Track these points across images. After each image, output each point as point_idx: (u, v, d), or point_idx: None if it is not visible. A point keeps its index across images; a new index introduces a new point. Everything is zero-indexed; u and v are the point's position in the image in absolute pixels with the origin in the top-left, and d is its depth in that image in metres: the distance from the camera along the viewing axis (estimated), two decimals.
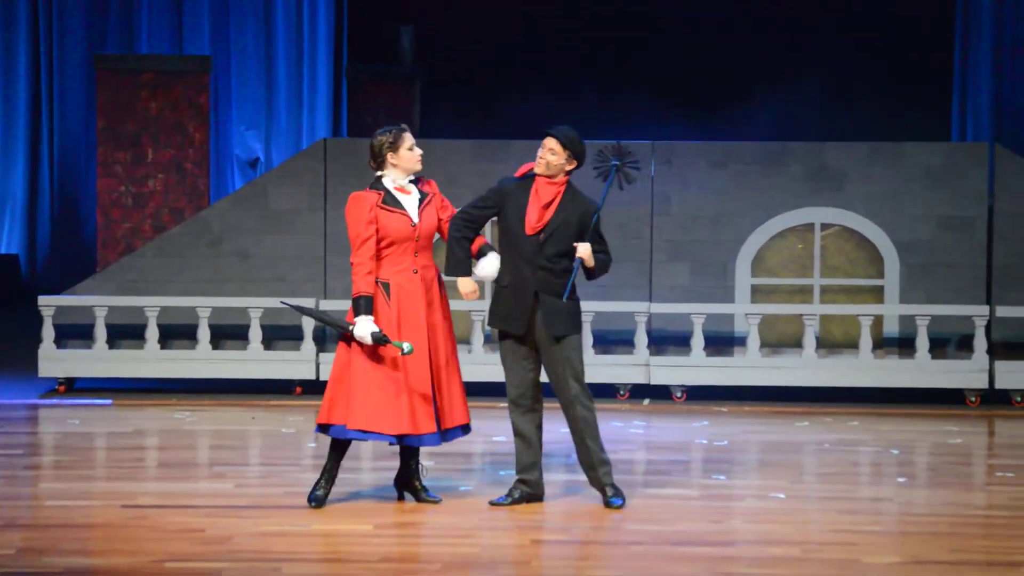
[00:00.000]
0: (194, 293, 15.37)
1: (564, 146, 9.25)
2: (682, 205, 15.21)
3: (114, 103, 16.80)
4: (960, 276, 15.14)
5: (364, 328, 8.91)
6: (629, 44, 20.43)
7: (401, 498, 9.59)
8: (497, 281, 9.23)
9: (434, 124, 19.22)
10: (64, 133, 21.27)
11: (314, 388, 15.14)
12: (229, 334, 15.40)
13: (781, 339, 15.28)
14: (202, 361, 15.11)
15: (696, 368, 14.68)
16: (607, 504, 9.28)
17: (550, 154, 9.23)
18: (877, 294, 15.21)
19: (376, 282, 9.01)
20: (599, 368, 14.64)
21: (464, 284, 9.15)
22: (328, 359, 15.08)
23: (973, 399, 14.66)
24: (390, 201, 9.06)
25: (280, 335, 15.45)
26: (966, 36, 20.93)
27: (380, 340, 8.87)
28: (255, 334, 15.15)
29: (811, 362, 14.70)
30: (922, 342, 14.74)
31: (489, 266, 9.23)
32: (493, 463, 11.45)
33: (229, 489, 10.10)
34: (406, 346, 8.87)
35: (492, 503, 9.42)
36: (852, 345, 15.09)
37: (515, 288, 9.14)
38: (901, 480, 10.71)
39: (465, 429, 9.46)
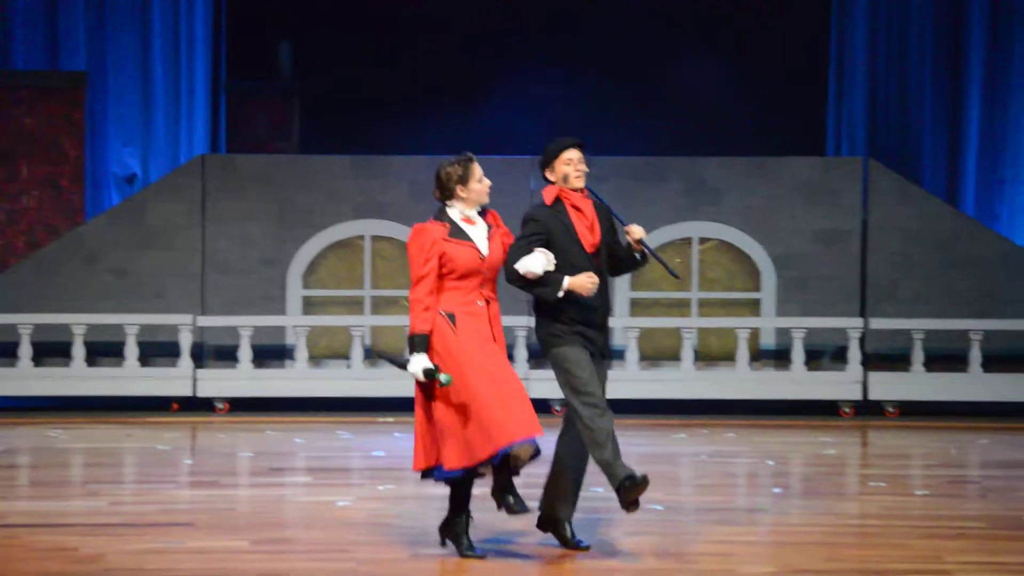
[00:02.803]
0: (69, 310, 15.20)
1: (586, 155, 8.69)
2: None
3: None
4: (835, 289, 15.31)
5: (416, 365, 8.31)
6: (510, 60, 20.47)
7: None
8: (556, 306, 8.49)
9: (314, 139, 19.14)
10: None
11: (191, 404, 15.03)
12: (105, 351, 15.24)
13: (659, 352, 15.37)
14: (77, 378, 14.94)
15: None
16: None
17: (583, 165, 8.62)
18: (754, 307, 15.34)
19: (441, 313, 8.39)
20: None
21: (578, 281, 8.40)
22: (205, 375, 14.98)
23: (847, 410, 14.83)
24: (457, 233, 8.44)
25: (157, 352, 15.32)
26: (840, 50, 21.15)
27: (430, 376, 8.29)
28: (131, 351, 15.01)
29: (689, 375, 14.80)
30: (797, 354, 14.89)
31: (535, 261, 8.46)
32: (372, 478, 11.41)
33: (103, 507, 9.98)
34: (443, 377, 8.26)
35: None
36: (729, 358, 15.22)
37: (588, 309, 8.49)
38: (776, 490, 10.79)
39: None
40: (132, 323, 15.00)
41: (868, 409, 14.92)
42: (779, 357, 15.24)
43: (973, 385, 14.95)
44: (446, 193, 8.53)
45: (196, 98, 21.19)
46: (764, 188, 15.47)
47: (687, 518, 9.66)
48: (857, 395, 14.84)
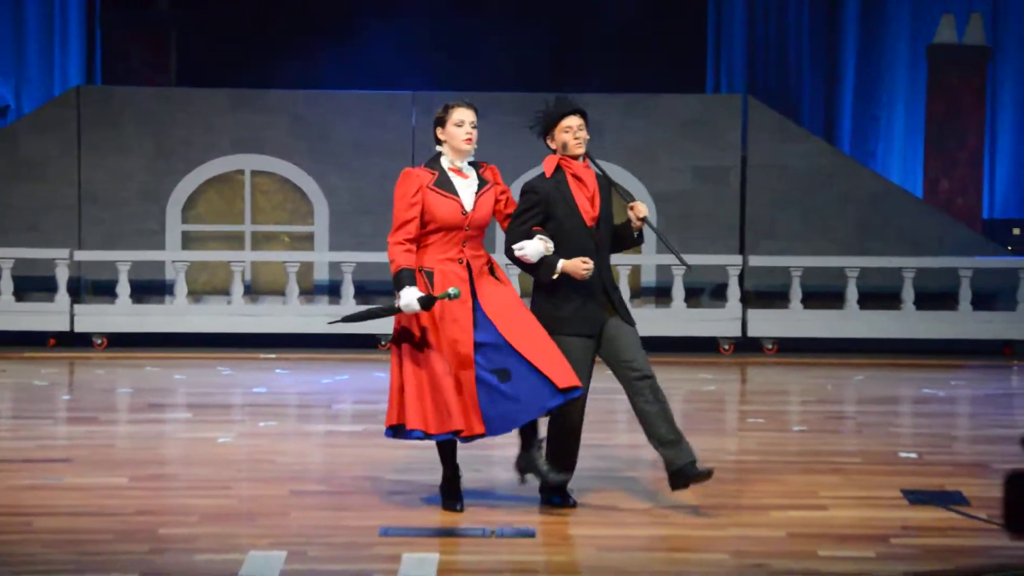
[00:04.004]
0: None
1: (586, 121, 8.25)
2: None
3: None
4: (714, 226, 15.42)
5: (409, 297, 7.84)
6: None
7: (524, 481, 8.23)
8: (552, 284, 8.11)
9: (191, 72, 18.92)
10: None
11: (68, 340, 14.86)
12: None
13: None
14: None
15: None
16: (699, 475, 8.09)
17: (582, 130, 8.18)
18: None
19: (419, 271, 7.98)
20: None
21: (572, 265, 8.00)
22: (83, 310, 14.82)
23: (727, 347, 14.96)
24: (443, 184, 8.01)
25: (33, 286, 15.12)
26: None
27: (428, 302, 7.83)
28: (6, 285, 14.80)
29: None
30: (678, 291, 14.99)
31: (533, 248, 8.06)
32: (253, 415, 11.36)
33: None
34: (452, 290, 7.83)
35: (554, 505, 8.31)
36: None
37: (580, 286, 8.08)
38: None
39: (567, 392, 7.97)
40: (7, 256, 14.79)
41: (747, 346, 15.07)
42: (659, 294, 15.34)
43: (849, 322, 15.14)
44: (433, 137, 8.17)
45: (70, 28, 20.86)
46: (644, 125, 15.51)
47: None
48: (736, 332, 14.99)
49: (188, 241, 15.45)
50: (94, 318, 14.87)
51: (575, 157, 8.20)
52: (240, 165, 15.52)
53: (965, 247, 15.42)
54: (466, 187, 8.08)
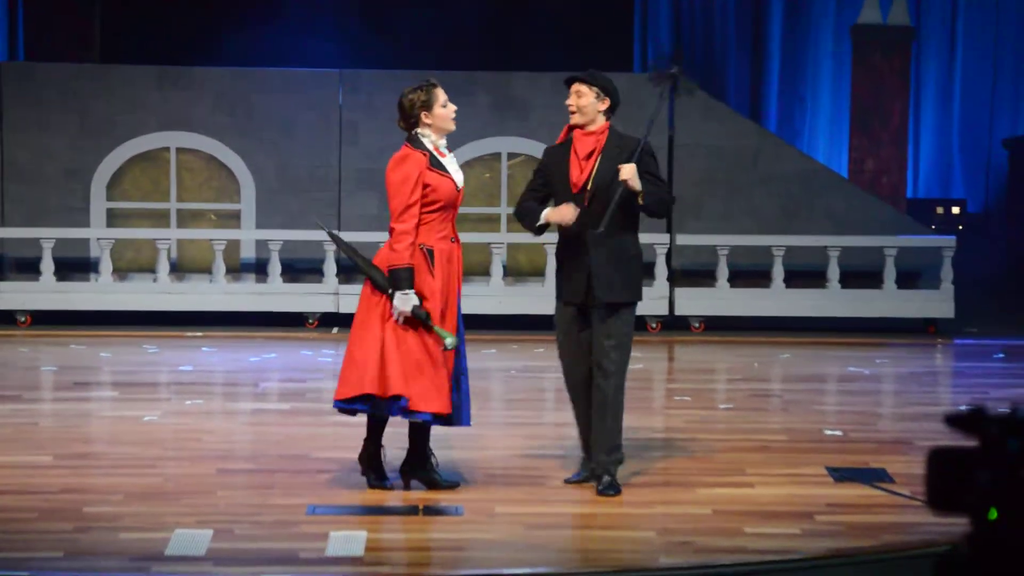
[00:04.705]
0: None
1: (590, 84, 8.21)
2: (369, 135, 15.17)
3: None
4: None
5: (406, 302, 7.81)
6: None
7: (408, 488, 8.16)
8: (558, 251, 8.33)
9: (116, 49, 18.77)
10: None
11: None
12: None
13: (470, 267, 15.37)
14: None
15: None
16: (601, 492, 8.10)
17: (578, 97, 8.19)
18: None
19: (420, 248, 7.93)
20: (288, 297, 14.59)
21: (553, 213, 8.15)
22: (6, 287, 14.70)
23: (654, 325, 15.01)
24: (436, 163, 8.00)
25: None
26: None
27: (421, 318, 7.81)
28: None
29: (499, 290, 14.87)
30: None
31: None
32: (179, 393, 11.31)
33: None
34: (450, 341, 7.81)
35: (567, 481, 8.35)
36: (539, 273, 15.31)
37: (571, 254, 8.20)
38: None
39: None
40: None
41: (674, 324, 15.13)
42: None
43: (775, 300, 15.22)
44: (411, 121, 8.08)
45: None
46: None
47: (495, 432, 9.73)
48: (663, 310, 15.03)
49: (113, 219, 15.33)
50: (17, 295, 14.75)
51: (576, 125, 8.26)
52: (166, 143, 15.41)
53: (889, 226, 15.52)
54: (451, 164, 8.14)
